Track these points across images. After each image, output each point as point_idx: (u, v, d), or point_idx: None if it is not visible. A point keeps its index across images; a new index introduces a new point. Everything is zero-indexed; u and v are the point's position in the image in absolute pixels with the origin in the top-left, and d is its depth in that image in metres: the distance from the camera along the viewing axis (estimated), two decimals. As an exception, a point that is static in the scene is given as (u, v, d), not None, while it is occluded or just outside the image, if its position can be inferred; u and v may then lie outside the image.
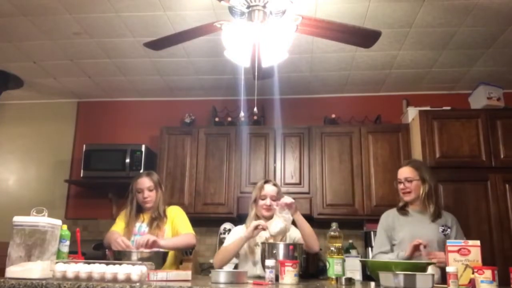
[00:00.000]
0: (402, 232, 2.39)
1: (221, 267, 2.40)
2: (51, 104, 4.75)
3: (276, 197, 2.45)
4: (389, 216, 2.50)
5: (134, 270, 1.52)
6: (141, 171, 3.99)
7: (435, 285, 1.64)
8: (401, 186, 2.45)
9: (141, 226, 2.62)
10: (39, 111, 4.73)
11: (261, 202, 2.45)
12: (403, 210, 2.46)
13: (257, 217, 2.46)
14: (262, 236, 2.35)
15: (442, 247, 2.27)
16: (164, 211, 2.65)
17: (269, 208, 2.42)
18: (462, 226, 3.29)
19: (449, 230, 2.35)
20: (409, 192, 2.43)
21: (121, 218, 2.71)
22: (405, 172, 2.46)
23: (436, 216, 2.38)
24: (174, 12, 3.00)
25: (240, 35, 2.25)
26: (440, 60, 3.68)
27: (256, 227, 2.26)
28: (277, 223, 2.23)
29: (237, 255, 2.45)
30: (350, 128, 4.00)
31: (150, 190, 2.65)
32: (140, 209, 2.67)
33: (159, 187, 2.70)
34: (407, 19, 3.05)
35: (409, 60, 3.69)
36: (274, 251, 2.03)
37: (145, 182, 2.66)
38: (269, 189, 2.47)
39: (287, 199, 2.25)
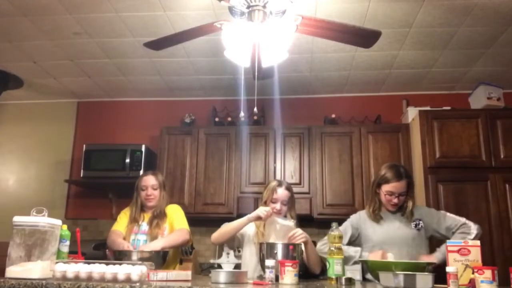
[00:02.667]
0: (376, 234, 2.36)
1: (217, 242, 2.42)
2: (51, 104, 4.75)
3: (287, 202, 2.41)
4: (360, 219, 2.46)
5: (134, 270, 1.52)
6: (141, 171, 3.99)
7: (434, 285, 1.64)
8: (392, 197, 2.36)
9: (142, 225, 2.64)
10: (39, 111, 4.73)
11: (271, 205, 2.39)
12: (376, 216, 2.41)
13: None
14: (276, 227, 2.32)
15: (418, 242, 2.31)
16: (164, 210, 2.67)
17: (279, 212, 2.38)
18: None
19: (420, 222, 2.35)
20: (397, 204, 2.39)
21: (123, 216, 2.72)
22: (401, 187, 2.36)
23: (409, 216, 2.38)
24: (174, 12, 3.00)
25: (240, 35, 2.25)
26: (440, 60, 3.68)
27: (259, 216, 2.24)
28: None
29: (239, 250, 2.45)
30: (350, 128, 4.00)
31: (154, 189, 2.68)
32: (142, 208, 2.69)
33: (163, 188, 2.73)
34: (407, 19, 3.05)
35: (409, 60, 3.69)
36: (275, 251, 2.03)
37: (150, 180, 2.70)
38: (282, 193, 2.39)
39: (299, 236, 2.17)
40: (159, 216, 2.63)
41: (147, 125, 4.52)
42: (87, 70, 4.02)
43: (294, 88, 4.29)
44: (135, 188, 2.74)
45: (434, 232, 2.37)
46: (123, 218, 2.70)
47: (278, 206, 2.37)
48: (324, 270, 3.90)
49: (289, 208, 2.43)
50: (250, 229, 2.44)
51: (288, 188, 2.45)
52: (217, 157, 4.04)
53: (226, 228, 2.38)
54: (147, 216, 2.67)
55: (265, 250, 2.07)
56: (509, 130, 3.47)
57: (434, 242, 2.45)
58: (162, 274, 1.67)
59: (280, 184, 2.44)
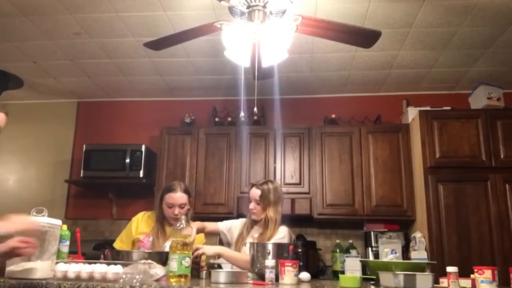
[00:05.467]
0: None
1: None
2: (51, 104, 4.75)
3: (260, 201, 2.40)
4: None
5: (134, 270, 1.51)
6: (141, 171, 3.99)
7: (434, 285, 1.64)
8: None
9: (166, 246, 2.37)
10: (39, 111, 4.73)
11: (249, 204, 2.46)
12: None
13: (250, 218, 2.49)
14: (248, 239, 2.40)
15: None
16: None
17: (252, 211, 2.42)
18: (462, 226, 3.32)
19: None
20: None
21: (131, 229, 2.48)
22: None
23: None
24: (174, 12, 3.00)
25: (240, 35, 2.25)
26: (440, 60, 3.68)
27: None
28: None
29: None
30: (350, 128, 4.00)
31: (182, 207, 2.45)
32: (163, 220, 2.48)
33: (189, 201, 2.52)
34: (407, 19, 3.05)
35: (409, 60, 3.69)
36: (268, 251, 2.01)
37: (179, 198, 2.45)
38: (252, 192, 2.44)
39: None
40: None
41: (147, 125, 4.52)
42: (87, 70, 4.02)
43: (294, 88, 4.29)
44: (159, 197, 2.50)
45: None
46: (128, 232, 2.46)
47: (251, 205, 2.43)
48: (323, 270, 3.92)
49: (264, 208, 2.40)
50: (235, 232, 2.49)
51: (262, 188, 2.43)
52: (217, 157, 4.04)
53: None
54: (170, 229, 2.42)
55: (255, 250, 2.04)
56: (509, 130, 3.47)
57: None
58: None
59: (255, 184, 2.48)
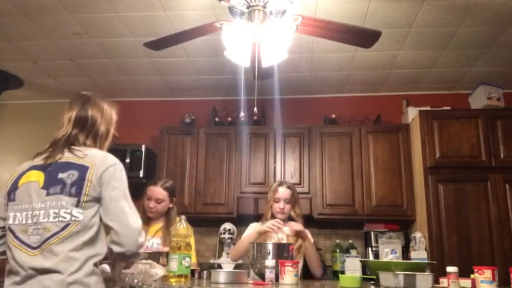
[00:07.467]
0: None
1: (236, 259, 2.44)
2: (51, 104, 4.74)
3: (290, 200, 2.46)
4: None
5: (134, 270, 1.52)
6: (141, 171, 3.99)
7: (434, 285, 1.64)
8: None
9: (153, 242, 2.44)
10: (39, 111, 4.72)
11: (275, 205, 2.47)
12: None
13: (273, 218, 2.49)
14: (274, 237, 2.39)
15: None
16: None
17: (282, 211, 2.45)
18: (462, 226, 3.32)
19: None
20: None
21: None
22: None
23: None
24: (174, 12, 3.00)
25: (240, 35, 2.26)
26: (440, 60, 3.68)
27: (269, 228, 2.30)
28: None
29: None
30: (350, 128, 4.00)
31: (158, 203, 2.54)
32: (146, 216, 2.52)
33: (170, 198, 2.57)
34: (407, 19, 3.05)
35: (409, 60, 3.69)
36: (268, 251, 2.01)
37: (156, 192, 2.54)
38: (283, 192, 2.48)
39: (297, 226, 2.33)
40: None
41: (147, 125, 4.52)
42: (87, 70, 4.02)
43: (294, 88, 4.29)
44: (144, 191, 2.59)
45: None
46: None
47: (281, 205, 2.46)
48: (323, 270, 3.92)
49: (292, 206, 2.49)
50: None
51: (290, 187, 2.53)
52: (217, 157, 4.04)
53: (241, 246, 2.43)
54: (155, 227, 2.50)
55: (255, 250, 2.05)
56: (509, 130, 3.47)
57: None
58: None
59: (281, 183, 2.54)
